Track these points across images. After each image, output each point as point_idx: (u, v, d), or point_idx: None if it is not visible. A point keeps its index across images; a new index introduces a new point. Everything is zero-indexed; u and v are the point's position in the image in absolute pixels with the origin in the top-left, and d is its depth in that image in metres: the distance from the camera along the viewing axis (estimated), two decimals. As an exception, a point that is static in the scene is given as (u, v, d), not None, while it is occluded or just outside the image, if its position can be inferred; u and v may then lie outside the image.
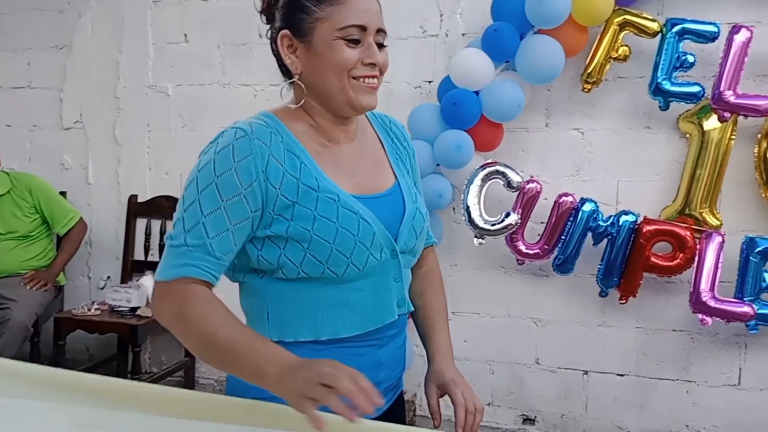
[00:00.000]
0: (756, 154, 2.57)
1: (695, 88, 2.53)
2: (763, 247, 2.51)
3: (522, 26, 2.63)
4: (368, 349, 1.20)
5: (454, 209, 2.91)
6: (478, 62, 2.68)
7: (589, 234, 2.71)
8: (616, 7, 2.56)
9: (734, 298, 2.56)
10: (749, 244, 2.53)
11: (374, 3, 1.16)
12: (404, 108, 2.89)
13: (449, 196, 2.80)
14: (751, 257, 2.53)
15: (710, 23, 2.50)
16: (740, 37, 2.45)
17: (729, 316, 2.55)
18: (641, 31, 2.57)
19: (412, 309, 1.29)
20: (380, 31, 1.16)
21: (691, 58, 2.52)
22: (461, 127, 2.74)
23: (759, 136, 2.56)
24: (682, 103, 2.57)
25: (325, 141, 1.20)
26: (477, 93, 2.70)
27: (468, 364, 3.01)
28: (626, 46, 2.60)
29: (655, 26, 2.55)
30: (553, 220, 2.74)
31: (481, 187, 2.75)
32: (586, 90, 2.69)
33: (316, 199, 1.12)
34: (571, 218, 2.71)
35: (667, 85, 2.54)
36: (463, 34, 2.90)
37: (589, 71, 2.64)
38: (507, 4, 2.65)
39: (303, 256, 1.11)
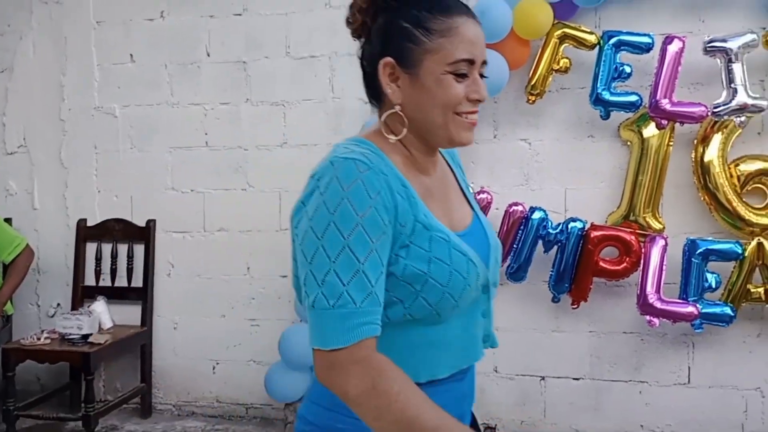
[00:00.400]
0: (693, 159, 2.72)
1: (633, 98, 2.67)
2: (704, 248, 2.65)
3: (466, 41, 2.73)
4: (455, 384, 1.17)
5: (407, 222, 2.98)
6: (426, 77, 2.77)
7: (540, 241, 2.82)
8: (556, 21, 2.69)
9: (679, 298, 2.70)
10: (691, 245, 2.68)
11: (481, 33, 1.12)
12: (356, 123, 2.97)
13: (402, 209, 2.87)
14: (693, 259, 2.67)
15: (644, 35, 2.65)
16: (673, 48, 2.60)
17: (675, 317, 2.68)
18: (580, 43, 2.71)
19: (497, 344, 1.25)
20: (484, 62, 1.12)
21: (628, 69, 2.66)
22: (411, 141, 2.82)
23: (695, 141, 2.72)
24: (622, 112, 2.71)
25: (418, 173, 1.15)
26: (425, 107, 2.79)
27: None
28: (567, 58, 2.73)
29: (592, 39, 2.69)
30: (505, 229, 2.84)
31: (434, 199, 2.83)
32: (530, 101, 2.81)
33: (430, 239, 1.07)
34: (522, 227, 2.82)
35: (606, 95, 2.68)
36: (410, 50, 2.99)
37: (532, 83, 2.76)
38: (451, 19, 2.75)
39: (414, 298, 1.06)
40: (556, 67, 2.73)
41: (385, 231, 1.03)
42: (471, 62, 1.09)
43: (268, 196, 3.24)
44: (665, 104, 2.61)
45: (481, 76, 1.12)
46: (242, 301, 3.32)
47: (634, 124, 2.76)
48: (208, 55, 3.27)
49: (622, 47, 2.65)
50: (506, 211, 2.85)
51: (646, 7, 2.76)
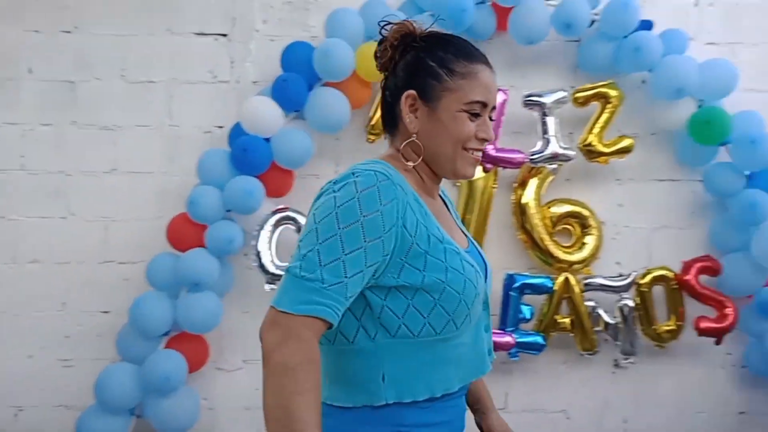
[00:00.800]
0: (513, 201, 2.87)
1: (463, 142, 2.77)
2: (520, 282, 2.79)
3: (310, 78, 2.69)
4: (460, 400, 1.22)
5: (245, 255, 2.82)
6: (268, 110, 2.68)
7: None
8: (396, 66, 2.73)
9: (498, 329, 2.79)
10: (509, 280, 2.80)
11: (495, 81, 1.22)
12: (193, 152, 2.79)
13: (240, 241, 2.72)
14: (510, 292, 2.80)
15: (474, 86, 2.77)
16: (498, 99, 2.75)
17: (494, 346, 2.75)
18: (417, 88, 2.77)
19: (494, 357, 1.31)
20: (494, 107, 1.22)
21: (460, 115, 2.76)
22: (252, 173, 2.70)
23: (515, 185, 2.87)
24: (453, 154, 2.80)
25: (427, 196, 1.22)
26: (268, 140, 2.69)
27: (259, 413, 2.86)
28: (407, 102, 2.77)
29: (429, 85, 2.76)
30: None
31: (273, 232, 2.72)
32: (370, 141, 2.82)
33: (444, 250, 1.12)
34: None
35: (440, 138, 2.75)
36: (254, 82, 2.89)
37: (372, 123, 2.77)
38: (296, 56, 2.70)
39: (432, 307, 1.10)
40: (388, 110, 2.76)
41: (382, 237, 1.06)
42: (484, 105, 1.18)
43: (92, 226, 2.90)
44: (490, 150, 2.74)
45: (489, 119, 1.21)
46: (54, 339, 2.91)
47: (464, 166, 2.85)
48: (30, 72, 2.90)
49: (453, 95, 2.75)
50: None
51: (478, 60, 2.90)
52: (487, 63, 1.21)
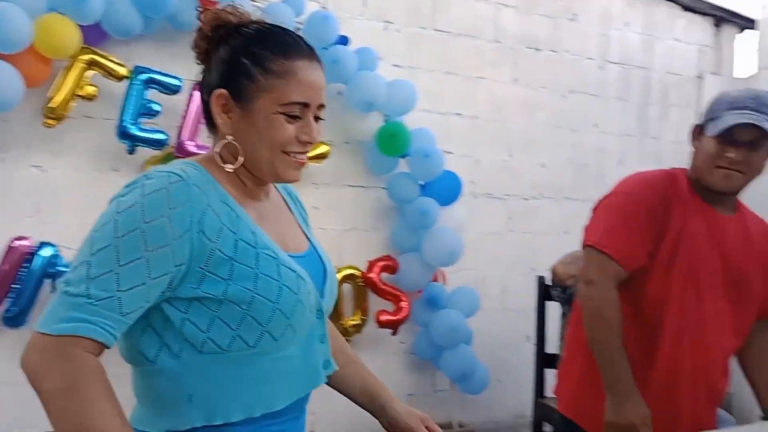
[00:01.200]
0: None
1: (160, 136, 2.54)
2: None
3: (-28, 45, 2.18)
4: (291, 423, 1.09)
5: None
6: None
7: (48, 281, 2.38)
8: (84, 45, 2.37)
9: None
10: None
11: (321, 78, 1.07)
12: None
13: None
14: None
15: (174, 77, 2.55)
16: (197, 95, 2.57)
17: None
18: (109, 73, 2.45)
19: (336, 368, 1.18)
20: (321, 106, 1.07)
21: (156, 107, 2.52)
22: None
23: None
24: (149, 148, 2.54)
25: (251, 200, 1.09)
26: None
27: None
28: (94, 85, 2.43)
29: (123, 71, 2.47)
30: (7, 267, 2.34)
31: None
32: (48, 125, 2.40)
33: (256, 256, 1.00)
34: (27, 264, 2.35)
35: (133, 130, 2.48)
36: None
37: (52, 106, 2.36)
38: (-48, 16, 2.15)
39: (241, 318, 0.98)
40: (80, 93, 2.40)
41: (170, 244, 0.94)
42: (305, 105, 1.05)
43: None
44: (190, 146, 2.56)
45: (318, 118, 1.08)
46: None
47: (160, 161, 2.60)
48: None
49: (152, 84, 2.50)
50: (9, 247, 2.34)
51: (179, 50, 2.65)
52: (311, 57, 1.07)
